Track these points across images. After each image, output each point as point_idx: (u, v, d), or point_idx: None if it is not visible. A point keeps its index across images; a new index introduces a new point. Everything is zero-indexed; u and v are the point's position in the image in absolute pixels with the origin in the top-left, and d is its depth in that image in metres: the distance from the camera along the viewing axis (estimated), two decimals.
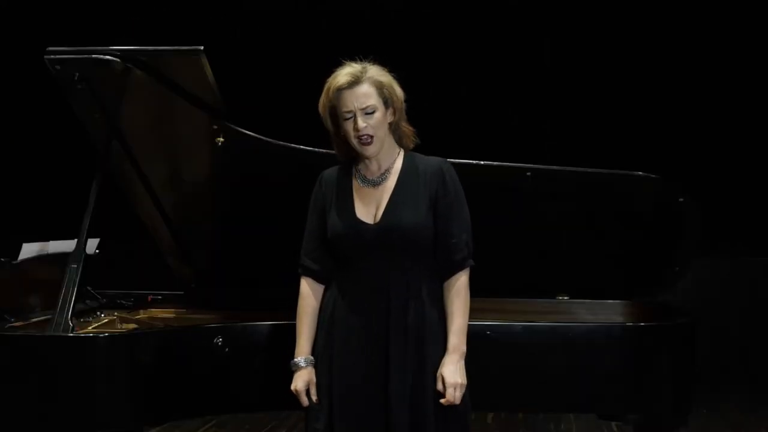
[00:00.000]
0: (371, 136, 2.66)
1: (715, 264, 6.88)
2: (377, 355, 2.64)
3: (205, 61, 3.12)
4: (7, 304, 3.33)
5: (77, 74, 3.20)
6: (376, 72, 2.70)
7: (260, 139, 3.36)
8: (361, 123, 2.64)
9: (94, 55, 3.17)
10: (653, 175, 3.49)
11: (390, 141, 2.74)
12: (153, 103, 3.32)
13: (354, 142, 2.68)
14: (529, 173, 3.45)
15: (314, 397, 2.72)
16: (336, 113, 2.70)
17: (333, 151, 3.33)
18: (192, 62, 3.14)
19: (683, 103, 7.28)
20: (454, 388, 2.61)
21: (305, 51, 7.45)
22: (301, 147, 3.41)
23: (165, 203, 3.61)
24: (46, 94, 7.75)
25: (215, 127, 3.31)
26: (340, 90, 2.67)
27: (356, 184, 2.75)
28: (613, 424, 5.46)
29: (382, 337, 2.64)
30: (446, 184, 2.70)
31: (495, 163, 3.38)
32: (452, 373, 2.61)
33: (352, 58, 2.75)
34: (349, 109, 2.66)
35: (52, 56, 3.18)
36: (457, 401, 2.61)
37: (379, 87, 2.68)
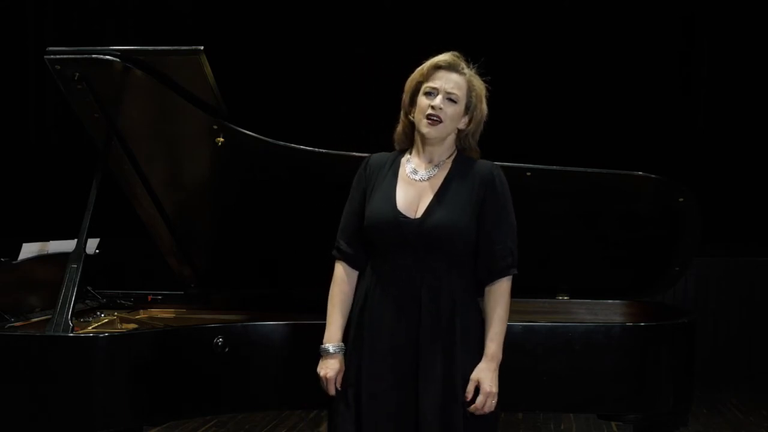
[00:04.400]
0: (440, 119, 2.63)
1: (714, 264, 6.89)
2: (407, 360, 2.60)
3: (205, 61, 3.12)
4: (7, 304, 3.32)
5: (77, 74, 3.19)
6: (474, 75, 2.72)
7: (260, 139, 3.36)
8: (439, 102, 2.63)
9: (94, 55, 3.16)
10: (653, 175, 3.49)
11: (451, 142, 2.72)
12: (153, 103, 3.32)
13: (421, 117, 2.64)
14: (529, 173, 3.45)
15: (339, 385, 2.67)
16: (418, 90, 2.68)
17: (332, 151, 3.36)
18: (192, 62, 3.14)
19: (683, 104, 7.29)
20: (488, 397, 2.59)
21: (306, 51, 7.46)
22: (301, 147, 3.40)
23: (165, 203, 3.61)
24: (47, 94, 7.80)
25: (215, 127, 3.31)
26: (437, 67, 2.67)
27: (403, 173, 2.71)
28: (613, 424, 5.47)
29: (413, 341, 2.61)
30: (496, 189, 2.68)
31: (495, 163, 3.37)
32: (490, 381, 2.59)
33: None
34: (435, 86, 2.65)
35: (52, 56, 3.18)
36: (489, 410, 2.59)
37: (470, 89, 2.69)
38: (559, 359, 3.18)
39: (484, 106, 2.73)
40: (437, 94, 2.64)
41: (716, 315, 6.91)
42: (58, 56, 3.18)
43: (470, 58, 2.75)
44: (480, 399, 2.58)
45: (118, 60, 3.15)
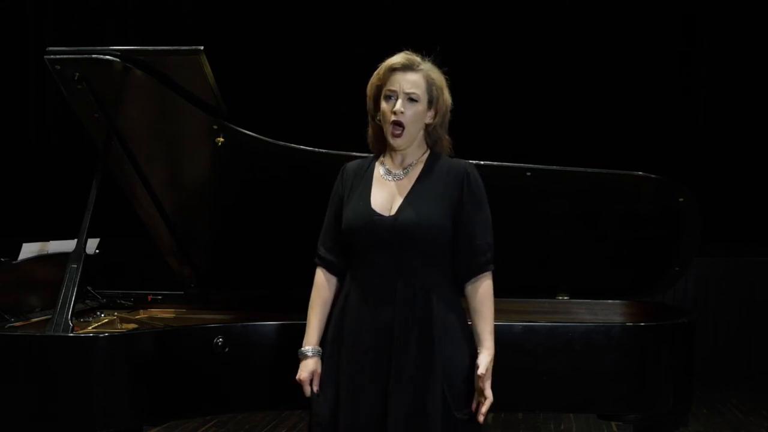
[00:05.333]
0: (403, 127, 2.65)
1: (714, 264, 6.89)
2: (383, 356, 2.62)
3: (205, 61, 3.12)
4: (7, 304, 3.32)
5: (77, 74, 3.19)
6: (431, 68, 2.71)
7: (260, 139, 3.36)
8: (399, 106, 2.64)
9: (94, 55, 3.17)
10: (653, 175, 3.49)
11: (421, 140, 2.73)
12: (153, 103, 3.32)
13: (387, 126, 2.66)
14: (529, 173, 3.45)
15: (315, 388, 2.71)
16: (380, 94, 2.69)
17: (332, 151, 3.36)
18: (192, 62, 3.14)
19: (683, 104, 7.29)
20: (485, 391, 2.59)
21: (306, 51, 7.46)
22: (301, 147, 3.41)
23: (165, 203, 3.61)
24: (47, 94, 7.80)
25: (215, 127, 3.31)
26: (392, 70, 2.67)
27: (377, 175, 2.74)
28: (613, 424, 5.47)
29: (388, 340, 2.62)
30: (471, 186, 2.69)
31: (495, 163, 3.38)
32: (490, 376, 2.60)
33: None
34: (393, 89, 2.66)
35: (52, 56, 3.18)
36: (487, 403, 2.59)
37: (430, 83, 2.68)
38: (559, 359, 3.18)
39: (447, 96, 2.73)
40: (397, 97, 2.65)
41: (716, 315, 6.91)
42: (58, 56, 3.18)
43: (425, 51, 2.74)
44: (488, 392, 2.57)
45: (118, 60, 3.15)
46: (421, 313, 2.62)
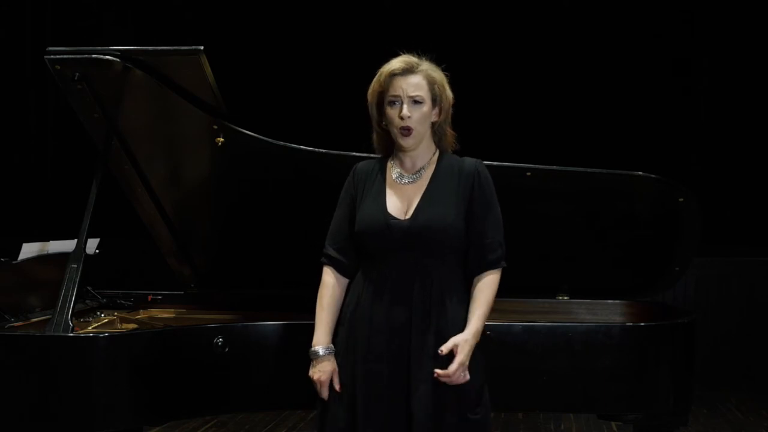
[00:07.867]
0: (411, 129, 2.66)
1: (714, 264, 6.88)
2: (400, 360, 2.61)
3: (205, 60, 3.12)
4: (7, 304, 3.32)
5: (77, 74, 3.19)
6: (430, 67, 2.72)
7: (260, 139, 3.36)
8: (406, 111, 2.65)
9: (94, 55, 3.17)
10: (653, 175, 3.50)
11: (429, 140, 2.74)
12: (153, 103, 3.32)
13: (395, 130, 2.68)
14: (529, 173, 3.46)
15: (337, 386, 2.66)
16: (383, 100, 2.70)
17: (332, 151, 3.36)
18: (192, 62, 3.14)
19: (683, 103, 7.29)
20: (460, 368, 2.54)
21: (305, 51, 7.46)
22: (301, 147, 3.41)
23: (165, 203, 3.61)
24: (47, 94, 7.80)
25: (215, 127, 3.31)
26: (393, 75, 2.68)
27: (390, 179, 2.74)
28: (613, 424, 5.47)
29: (405, 341, 2.61)
30: (482, 185, 2.70)
31: (495, 163, 3.38)
32: (466, 353, 2.55)
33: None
34: (397, 94, 2.66)
35: (52, 56, 3.18)
36: (457, 382, 2.56)
37: (431, 82, 2.70)
38: (559, 359, 3.18)
39: (449, 93, 2.75)
40: (401, 102, 2.66)
41: (716, 315, 6.90)
42: (58, 56, 3.18)
43: (420, 51, 2.74)
44: (453, 367, 2.55)
45: (118, 60, 3.15)
46: (436, 315, 2.62)
